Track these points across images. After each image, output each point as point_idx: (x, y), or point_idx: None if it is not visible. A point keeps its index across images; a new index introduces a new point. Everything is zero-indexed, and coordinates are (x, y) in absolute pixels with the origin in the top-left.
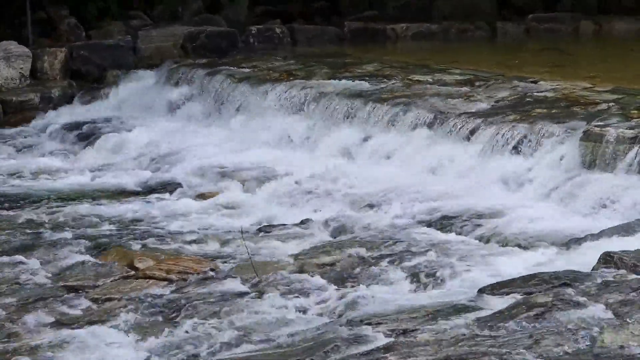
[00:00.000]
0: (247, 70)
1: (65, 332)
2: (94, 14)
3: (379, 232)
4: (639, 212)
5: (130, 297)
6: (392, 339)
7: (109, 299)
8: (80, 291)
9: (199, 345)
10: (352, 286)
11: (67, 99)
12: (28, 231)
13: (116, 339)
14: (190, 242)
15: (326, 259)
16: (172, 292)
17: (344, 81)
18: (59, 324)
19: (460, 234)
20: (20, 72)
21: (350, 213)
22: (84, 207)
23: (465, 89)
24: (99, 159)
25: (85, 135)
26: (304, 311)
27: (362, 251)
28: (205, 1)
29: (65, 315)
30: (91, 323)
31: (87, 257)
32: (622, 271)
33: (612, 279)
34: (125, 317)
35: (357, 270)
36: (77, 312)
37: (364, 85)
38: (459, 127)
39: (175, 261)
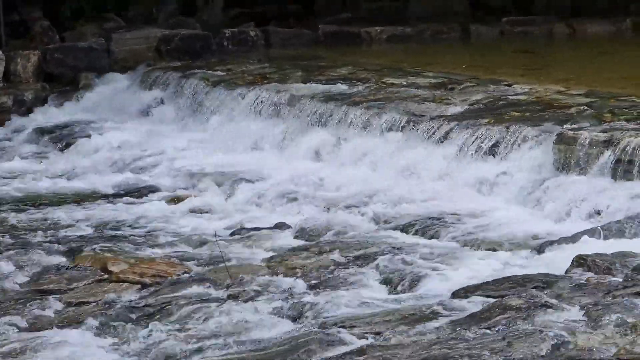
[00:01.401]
0: (221, 73)
1: (38, 336)
2: (68, 15)
3: (352, 235)
4: (612, 215)
5: (103, 300)
6: (365, 342)
7: (83, 303)
8: (54, 295)
9: (172, 349)
10: (326, 289)
11: (41, 102)
12: (0, 234)
13: (90, 342)
14: (164, 246)
15: (300, 262)
16: (145, 295)
17: (318, 84)
18: (32, 327)
19: (433, 237)
20: None
21: (324, 216)
22: (57, 210)
23: (439, 92)
24: (72, 161)
25: (58, 138)
26: (278, 314)
27: (336, 254)
28: (179, 3)
29: (38, 319)
30: (64, 327)
31: (60, 261)
32: (595, 274)
33: (585, 281)
34: (98, 321)
35: (331, 273)
36: (50, 315)
37: (338, 88)
38: (432, 130)
39: (149, 264)
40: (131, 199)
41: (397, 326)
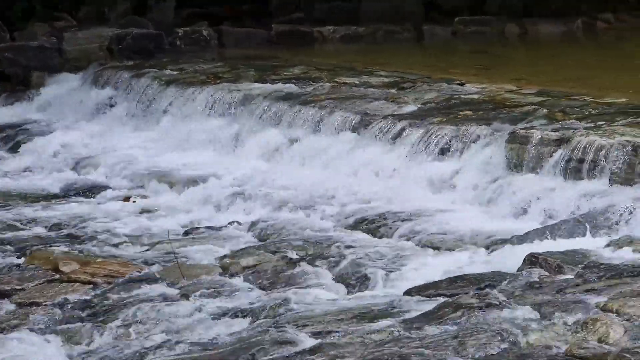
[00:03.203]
0: (174, 72)
1: None
2: (19, 15)
3: (305, 234)
4: (563, 213)
5: (54, 301)
6: (318, 341)
7: (33, 303)
8: (4, 295)
9: (124, 349)
10: (279, 288)
11: None
12: None
13: (40, 343)
14: (116, 245)
15: (253, 261)
16: (97, 295)
17: (270, 84)
18: None
19: (386, 236)
20: None
21: (276, 215)
22: (8, 211)
23: (392, 91)
24: (23, 161)
25: (9, 137)
26: (231, 314)
27: (289, 254)
28: (132, 3)
29: None
30: (15, 327)
31: (11, 261)
32: (547, 272)
33: (536, 279)
34: (49, 321)
35: (284, 272)
36: (0, 316)
37: (291, 88)
38: (385, 129)
39: (100, 264)
40: (83, 199)
41: (350, 325)
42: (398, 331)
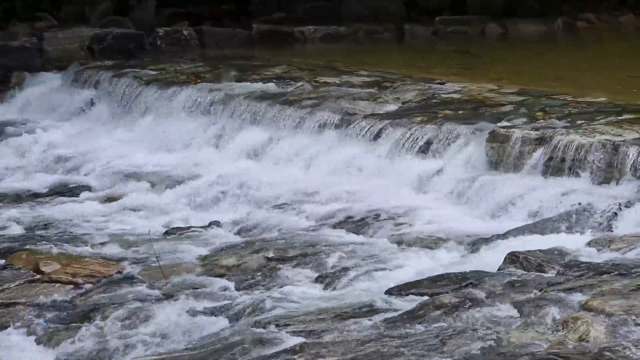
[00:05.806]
0: (154, 72)
1: None
2: (0, 15)
3: (287, 234)
4: (544, 212)
5: (35, 301)
6: (300, 340)
7: (14, 304)
8: None
9: (105, 350)
10: (260, 288)
11: None
12: None
13: (21, 343)
14: (97, 245)
15: (234, 261)
16: (78, 296)
17: (251, 83)
18: None
19: (367, 235)
20: None
21: (258, 215)
22: None
23: (372, 90)
24: (4, 161)
25: None
26: (212, 313)
27: (270, 253)
28: (113, 2)
29: None
30: None
31: None
32: (528, 271)
33: (517, 278)
34: (30, 322)
35: (265, 272)
36: None
37: (272, 87)
38: (366, 128)
39: (82, 264)
40: (64, 199)
41: (332, 324)
42: (380, 330)
